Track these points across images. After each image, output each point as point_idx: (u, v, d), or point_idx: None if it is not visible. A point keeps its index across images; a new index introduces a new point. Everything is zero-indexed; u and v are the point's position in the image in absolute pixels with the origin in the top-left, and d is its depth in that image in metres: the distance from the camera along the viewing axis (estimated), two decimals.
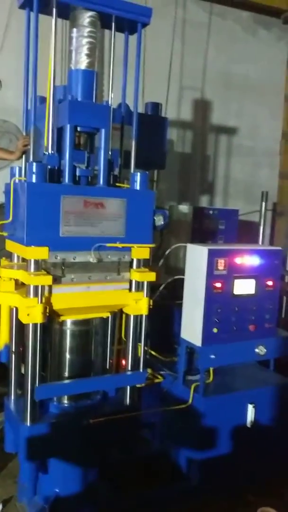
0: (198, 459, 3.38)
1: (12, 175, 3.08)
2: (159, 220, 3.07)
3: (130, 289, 3.00)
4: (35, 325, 2.68)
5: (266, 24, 7.24)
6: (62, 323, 3.02)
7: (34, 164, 2.63)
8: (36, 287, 2.64)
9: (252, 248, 3.54)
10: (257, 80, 7.19)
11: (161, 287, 3.87)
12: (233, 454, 3.43)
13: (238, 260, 3.37)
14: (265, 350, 3.47)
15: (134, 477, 3.45)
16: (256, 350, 3.47)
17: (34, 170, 2.61)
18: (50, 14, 2.80)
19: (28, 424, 2.79)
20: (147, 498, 3.32)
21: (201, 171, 7.07)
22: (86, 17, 2.85)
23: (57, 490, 3.03)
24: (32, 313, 2.64)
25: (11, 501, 3.33)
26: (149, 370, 3.46)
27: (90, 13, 2.85)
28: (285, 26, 7.33)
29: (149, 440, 3.86)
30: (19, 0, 2.91)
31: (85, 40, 2.86)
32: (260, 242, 5.72)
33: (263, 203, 5.78)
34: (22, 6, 2.92)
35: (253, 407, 3.42)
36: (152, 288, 3.22)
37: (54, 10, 2.77)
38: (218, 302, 3.31)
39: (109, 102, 3.05)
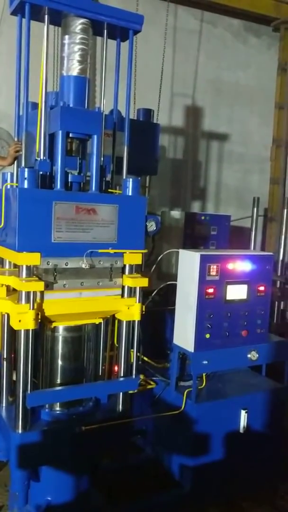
0: (191, 466, 3.37)
1: (4, 181, 3.07)
2: (151, 226, 3.07)
3: (122, 295, 3.00)
4: (26, 331, 2.66)
5: (256, 32, 7.32)
6: (54, 329, 3.00)
7: (26, 170, 2.62)
8: (28, 293, 2.62)
9: (244, 253, 3.55)
10: (247, 87, 7.26)
11: (154, 293, 3.87)
12: (225, 460, 3.43)
13: (230, 266, 3.38)
14: (257, 356, 3.48)
15: (126, 484, 3.43)
16: (248, 355, 3.47)
17: (25, 176, 2.61)
18: (42, 20, 2.81)
19: (20, 431, 2.76)
20: (139, 506, 3.29)
21: (193, 177, 7.11)
22: (78, 24, 2.86)
23: (49, 498, 3.00)
24: (24, 319, 2.62)
25: (2, 510, 3.29)
26: (141, 376, 3.45)
27: (82, 20, 2.86)
28: (275, 34, 7.42)
29: (142, 446, 3.84)
30: (11, 7, 2.92)
31: (77, 47, 2.88)
32: (251, 248, 5.75)
33: (255, 209, 5.82)
34: (14, 13, 2.92)
35: (246, 412, 3.42)
36: (145, 294, 3.22)
37: (46, 17, 2.78)
38: (210, 308, 3.31)
39: (101, 109, 3.05)
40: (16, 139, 3.19)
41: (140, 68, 5.04)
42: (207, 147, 7.16)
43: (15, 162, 3.24)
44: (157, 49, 5.86)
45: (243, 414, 3.42)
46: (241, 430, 3.43)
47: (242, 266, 3.44)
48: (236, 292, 3.43)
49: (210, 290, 3.30)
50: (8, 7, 2.97)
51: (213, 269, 3.30)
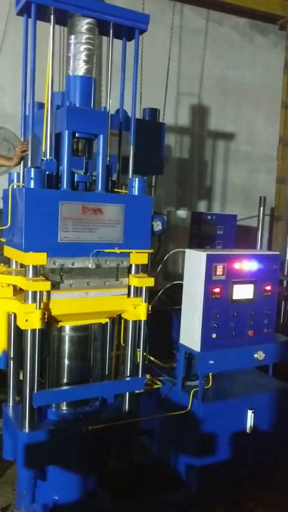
0: (197, 466, 3.36)
1: (10, 181, 3.08)
2: (157, 226, 3.07)
3: (128, 295, 3.00)
4: (33, 331, 2.67)
5: (263, 30, 7.29)
6: (61, 329, 3.01)
7: (32, 170, 2.63)
8: (34, 293, 2.63)
9: (250, 253, 3.54)
10: (254, 86, 7.23)
11: (160, 293, 3.87)
12: (232, 460, 3.42)
13: (237, 265, 3.37)
14: (263, 356, 3.47)
15: (132, 484, 3.43)
16: (255, 355, 3.46)
17: (32, 175, 2.61)
18: (48, 21, 2.82)
19: (27, 431, 2.77)
20: (145, 506, 3.29)
21: (199, 177, 7.10)
22: (84, 24, 2.86)
23: (55, 498, 3.01)
24: (31, 319, 2.63)
25: (9, 509, 3.31)
26: (148, 376, 3.45)
27: (88, 20, 2.86)
28: (282, 32, 7.39)
29: (148, 446, 3.84)
30: (17, 7, 2.92)
31: (83, 47, 2.88)
32: (258, 247, 5.73)
33: (261, 208, 5.80)
34: (20, 13, 2.93)
35: (252, 412, 3.41)
36: (151, 293, 3.22)
37: (52, 17, 2.79)
38: (216, 308, 3.31)
39: (107, 108, 3.05)
40: (22, 140, 3.20)
41: (146, 67, 5.04)
42: (213, 146, 7.14)
43: (22, 162, 3.25)
44: (163, 48, 5.86)
45: (250, 414, 3.41)
46: (248, 430, 3.42)
47: (248, 265, 3.43)
48: (243, 292, 3.42)
49: (217, 290, 3.30)
50: (14, 8, 2.97)
51: (220, 268, 3.29)
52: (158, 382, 3.57)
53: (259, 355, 3.46)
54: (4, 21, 5.35)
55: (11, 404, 3.13)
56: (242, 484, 3.48)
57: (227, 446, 3.40)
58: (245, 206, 7.15)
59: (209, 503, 3.36)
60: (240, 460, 3.44)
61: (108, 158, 3.00)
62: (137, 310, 2.99)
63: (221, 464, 3.37)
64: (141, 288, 2.99)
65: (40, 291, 2.64)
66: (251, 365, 3.70)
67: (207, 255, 3.25)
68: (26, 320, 2.62)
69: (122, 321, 3.17)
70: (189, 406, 3.32)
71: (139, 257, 2.95)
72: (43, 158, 2.86)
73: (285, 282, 6.07)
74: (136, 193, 2.95)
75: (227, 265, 3.32)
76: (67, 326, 3.00)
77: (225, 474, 3.40)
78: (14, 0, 2.94)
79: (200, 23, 6.75)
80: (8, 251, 2.97)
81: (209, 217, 5.02)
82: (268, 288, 3.53)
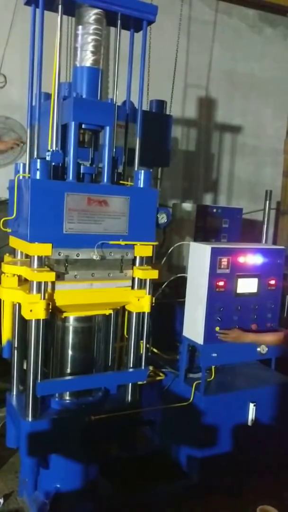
0: (199, 457, 3.39)
1: (16, 171, 3.08)
2: (162, 218, 3.08)
3: (132, 287, 3.01)
4: (37, 321, 2.69)
5: (272, 22, 7.21)
6: (65, 320, 3.03)
7: (38, 160, 2.63)
8: (39, 284, 2.65)
9: (255, 247, 3.54)
10: (262, 79, 7.16)
11: (164, 285, 3.88)
12: (233, 452, 3.44)
13: (241, 259, 3.37)
14: (266, 349, 3.47)
15: (134, 474, 3.46)
16: (258, 349, 3.47)
17: (38, 166, 2.62)
18: (56, 11, 2.80)
19: (30, 419, 2.80)
20: (146, 496, 3.33)
21: (205, 169, 7.06)
22: (91, 15, 2.85)
23: (58, 486, 3.05)
24: (35, 309, 2.65)
25: (12, 496, 3.35)
26: (150, 368, 3.47)
27: (95, 11, 2.84)
28: None
29: (150, 437, 3.87)
30: None
31: (90, 38, 2.86)
32: (263, 241, 5.71)
33: (267, 202, 5.77)
34: (27, 3, 2.92)
35: (254, 406, 3.43)
36: (155, 286, 3.23)
37: (59, 7, 2.78)
38: (220, 301, 3.31)
39: (114, 100, 3.05)
40: (28, 130, 3.19)
41: (153, 59, 5.00)
42: (220, 139, 7.10)
43: (28, 152, 3.24)
44: (171, 39, 5.81)
45: (252, 407, 3.42)
46: (249, 423, 3.44)
47: (253, 259, 3.43)
48: (247, 286, 3.43)
49: (221, 283, 3.30)
50: None
51: (224, 262, 3.30)
52: (161, 374, 3.60)
53: (262, 349, 3.47)
54: (12, 11, 5.32)
55: (14, 393, 3.17)
56: (242, 476, 3.51)
57: (228, 439, 3.42)
58: (251, 199, 7.11)
59: (210, 494, 3.39)
60: (241, 453, 3.47)
61: (114, 150, 3.00)
62: (141, 302, 3.00)
63: (222, 456, 3.40)
64: (145, 280, 3.00)
65: (44, 282, 2.66)
66: (254, 358, 3.71)
67: (212, 248, 3.25)
68: (31, 310, 2.64)
69: (126, 312, 3.19)
70: (191, 398, 3.34)
71: (144, 249, 2.96)
72: (49, 149, 2.86)
73: None
74: (141, 186, 2.95)
75: (232, 259, 3.32)
76: (71, 317, 3.02)
77: (226, 466, 3.42)
78: None
79: (209, 14, 6.68)
80: (14, 242, 2.99)
81: (214, 210, 5.00)
82: (272, 282, 3.53)
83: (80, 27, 2.89)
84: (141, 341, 3.14)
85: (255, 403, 3.43)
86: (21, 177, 2.90)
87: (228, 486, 3.48)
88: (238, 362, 3.79)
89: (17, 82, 5.50)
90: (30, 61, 2.95)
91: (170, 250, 4.01)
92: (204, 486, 3.39)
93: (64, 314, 2.96)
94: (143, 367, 3.15)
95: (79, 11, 2.88)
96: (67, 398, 3.07)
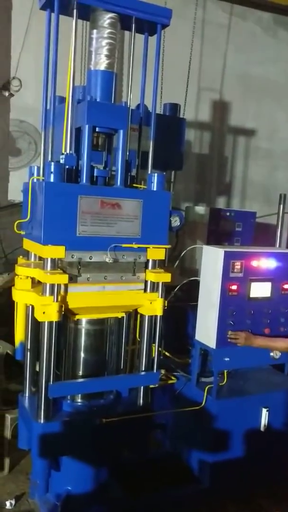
0: (210, 462, 3.37)
1: (31, 174, 3.10)
2: (175, 221, 3.07)
3: (145, 290, 3.01)
4: (50, 323, 2.70)
5: (287, 25, 7.18)
6: (77, 322, 3.04)
7: (52, 164, 2.65)
8: (52, 286, 2.66)
9: (268, 251, 3.51)
10: (276, 82, 7.13)
11: (176, 288, 3.87)
12: (245, 457, 3.41)
13: (255, 263, 3.35)
14: (279, 354, 3.44)
15: (145, 477, 3.45)
16: (271, 353, 3.44)
17: (52, 169, 2.64)
18: (71, 15, 2.82)
19: (42, 421, 2.81)
20: (157, 499, 3.31)
21: (218, 173, 7.05)
22: (106, 19, 2.86)
23: (69, 488, 3.05)
24: (48, 311, 2.66)
25: (23, 498, 3.36)
26: (162, 371, 3.46)
27: (110, 15, 2.86)
28: None
29: (161, 441, 3.86)
30: (40, 1, 2.94)
31: (105, 41, 2.88)
32: (277, 245, 5.67)
33: (281, 206, 5.73)
34: (43, 7, 2.94)
35: (267, 411, 3.39)
36: (167, 289, 3.22)
37: (74, 11, 2.80)
38: (233, 305, 3.29)
39: (128, 103, 3.05)
40: (43, 133, 3.22)
41: (167, 62, 5.01)
42: (233, 142, 7.08)
43: (41, 156, 3.26)
44: (185, 42, 5.81)
45: (264, 412, 3.39)
46: (262, 428, 3.41)
47: (266, 263, 3.40)
48: (260, 290, 3.40)
49: (234, 287, 3.28)
50: (37, 2, 2.99)
51: (237, 266, 3.28)
52: (172, 377, 3.58)
53: (275, 354, 3.44)
54: (28, 15, 5.38)
55: (27, 394, 3.18)
56: (254, 482, 3.48)
57: (240, 444, 3.40)
58: (264, 203, 7.07)
59: (221, 499, 3.37)
60: (253, 458, 3.43)
61: (127, 153, 3.01)
62: (153, 305, 3.00)
63: (234, 461, 3.37)
64: (157, 283, 3.00)
65: (57, 284, 2.67)
66: (267, 363, 3.68)
67: (225, 251, 3.24)
68: (44, 313, 2.65)
69: (138, 315, 3.19)
70: (203, 402, 3.32)
71: (156, 252, 2.96)
72: (63, 152, 2.88)
73: None
74: (154, 189, 2.96)
75: (245, 262, 3.30)
76: (84, 319, 3.03)
77: (238, 471, 3.39)
78: None
79: (223, 17, 6.67)
80: (27, 244, 3.01)
81: (227, 213, 4.98)
82: (286, 286, 3.50)
83: (94, 31, 2.90)
84: (153, 344, 3.13)
85: (267, 408, 3.40)
86: (35, 180, 2.92)
87: (240, 492, 3.45)
88: (250, 367, 3.76)
89: (31, 86, 5.55)
90: (44, 65, 2.97)
91: (183, 254, 4.01)
92: (215, 490, 3.36)
93: (77, 317, 2.97)
94: (155, 371, 3.14)
95: (94, 15, 2.90)
96: (79, 400, 3.08)
